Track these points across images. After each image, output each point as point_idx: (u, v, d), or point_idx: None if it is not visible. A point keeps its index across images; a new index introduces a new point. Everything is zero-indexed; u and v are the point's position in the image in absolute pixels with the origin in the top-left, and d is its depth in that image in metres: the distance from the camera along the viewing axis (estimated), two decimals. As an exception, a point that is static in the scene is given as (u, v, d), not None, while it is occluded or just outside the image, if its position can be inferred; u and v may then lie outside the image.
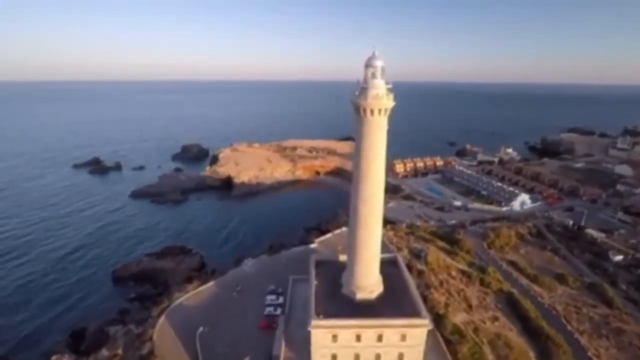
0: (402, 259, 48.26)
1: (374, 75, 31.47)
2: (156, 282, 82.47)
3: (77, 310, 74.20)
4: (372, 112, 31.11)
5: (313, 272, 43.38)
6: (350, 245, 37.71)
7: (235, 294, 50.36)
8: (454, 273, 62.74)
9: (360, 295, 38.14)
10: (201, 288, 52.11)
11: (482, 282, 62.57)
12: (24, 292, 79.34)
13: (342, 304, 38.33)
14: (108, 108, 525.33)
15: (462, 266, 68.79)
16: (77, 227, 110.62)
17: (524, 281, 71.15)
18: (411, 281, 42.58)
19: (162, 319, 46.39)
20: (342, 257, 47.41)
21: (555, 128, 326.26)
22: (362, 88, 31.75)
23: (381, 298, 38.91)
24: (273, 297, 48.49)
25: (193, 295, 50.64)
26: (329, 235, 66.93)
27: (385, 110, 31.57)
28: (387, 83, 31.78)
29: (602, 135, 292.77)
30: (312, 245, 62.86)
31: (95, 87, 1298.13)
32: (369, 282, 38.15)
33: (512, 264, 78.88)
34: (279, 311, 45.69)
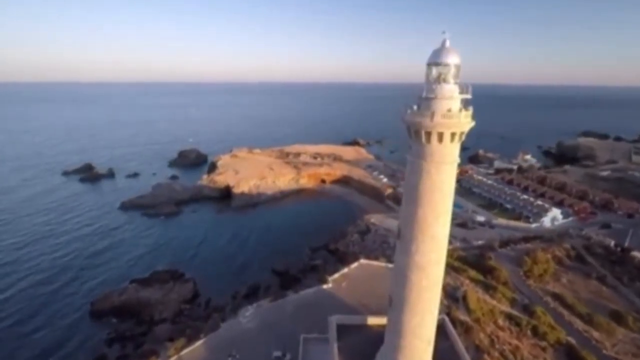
0: (449, 320, 36.75)
1: (443, 79, 19.83)
2: (140, 317, 70.71)
3: (44, 354, 62.53)
4: (440, 137, 19.53)
5: (335, 347, 31.75)
6: (393, 326, 26.01)
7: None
8: (500, 321, 51.01)
9: (406, 395, 26.48)
10: (186, 351, 40.39)
11: (534, 331, 51.05)
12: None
13: (379, 407, 26.76)
14: (104, 110, 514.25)
15: (506, 307, 57.19)
16: (55, 246, 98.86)
17: (578, 323, 59.41)
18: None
19: (132, 401, 34.76)
20: (372, 320, 35.87)
21: (567, 131, 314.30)
22: (425, 99, 20.15)
23: (435, 397, 27.28)
24: (279, 369, 36.92)
25: (175, 363, 39.00)
26: (345, 271, 55.18)
27: (461, 134, 19.94)
28: (463, 91, 20.10)
29: (618, 139, 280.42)
30: (326, 286, 51.15)
31: (92, 89, 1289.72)
32: (418, 377, 26.49)
33: (558, 298, 66.95)
34: (287, 393, 34.16)
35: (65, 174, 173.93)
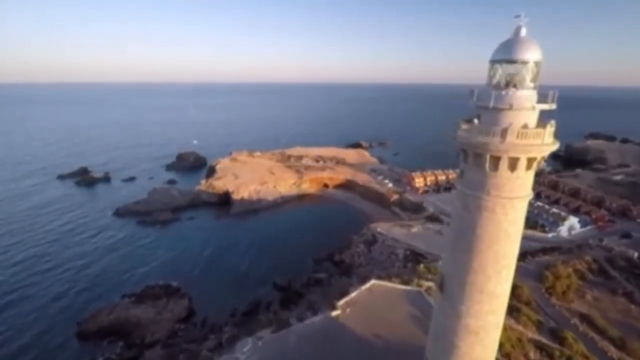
0: None
1: (517, 82, 14.20)
2: (130, 339, 65.16)
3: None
4: (513, 164, 13.89)
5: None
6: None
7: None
8: (531, 353, 45.46)
9: None
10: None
11: (569, 364, 45.55)
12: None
13: None
14: (102, 111, 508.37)
15: (534, 334, 51.58)
16: (43, 258, 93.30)
17: (612, 350, 53.91)
18: None
19: None
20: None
21: (572, 133, 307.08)
22: (489, 110, 14.50)
23: None
24: None
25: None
26: (354, 294, 49.55)
27: (541, 159, 14.34)
28: (544, 99, 14.49)
29: (624, 140, 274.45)
30: (334, 313, 45.51)
31: (90, 90, 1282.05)
32: None
33: (586, 319, 61.34)
34: None
35: (61, 177, 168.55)
